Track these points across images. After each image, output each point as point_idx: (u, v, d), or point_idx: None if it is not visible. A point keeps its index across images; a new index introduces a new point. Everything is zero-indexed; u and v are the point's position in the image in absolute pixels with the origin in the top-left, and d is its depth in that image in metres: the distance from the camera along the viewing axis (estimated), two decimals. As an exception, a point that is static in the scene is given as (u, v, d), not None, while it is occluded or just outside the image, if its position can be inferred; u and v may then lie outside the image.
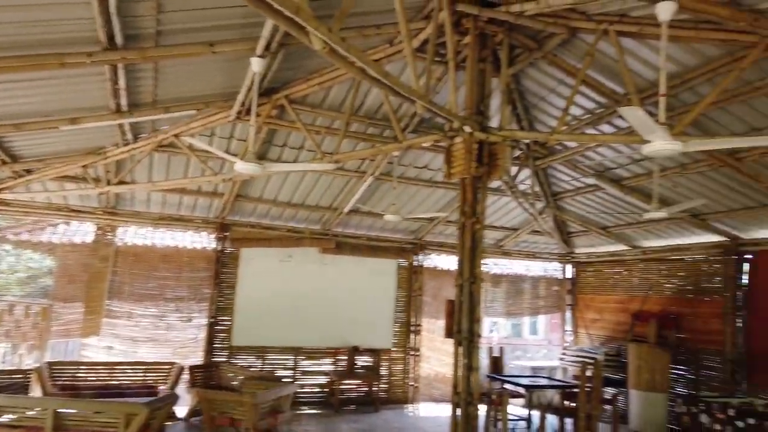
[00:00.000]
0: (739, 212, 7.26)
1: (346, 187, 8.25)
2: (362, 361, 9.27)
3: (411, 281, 9.90)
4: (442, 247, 10.11)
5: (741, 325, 7.83)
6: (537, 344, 11.88)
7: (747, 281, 7.87)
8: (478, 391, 4.87)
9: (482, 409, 7.80)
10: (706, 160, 6.29)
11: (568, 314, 11.18)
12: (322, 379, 9.06)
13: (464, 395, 4.79)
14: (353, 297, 9.36)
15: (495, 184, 8.52)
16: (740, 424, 4.99)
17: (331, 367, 9.08)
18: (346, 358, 9.11)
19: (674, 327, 8.72)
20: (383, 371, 9.46)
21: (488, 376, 8.50)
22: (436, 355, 10.07)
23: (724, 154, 6.07)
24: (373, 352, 9.33)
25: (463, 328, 4.91)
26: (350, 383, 9.15)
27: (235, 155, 6.11)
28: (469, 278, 4.98)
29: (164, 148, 6.92)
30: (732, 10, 3.94)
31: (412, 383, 9.70)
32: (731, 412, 5.09)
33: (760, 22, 3.95)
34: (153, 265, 8.42)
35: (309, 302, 9.04)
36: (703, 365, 8.33)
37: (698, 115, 4.98)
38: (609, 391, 9.27)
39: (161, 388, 7.20)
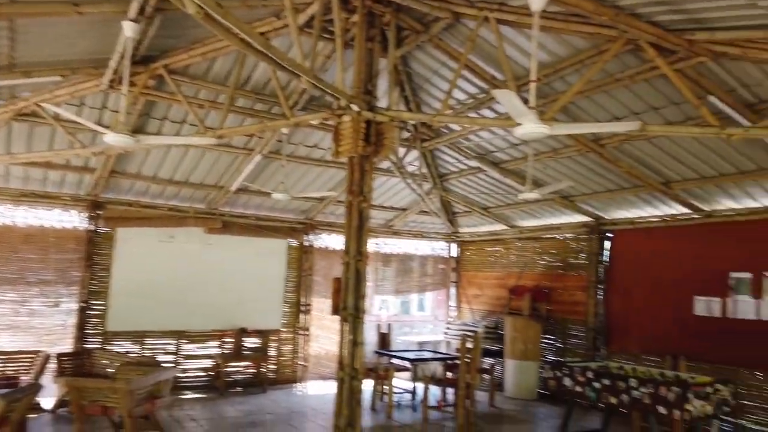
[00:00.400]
0: (602, 194, 7.98)
1: (233, 165, 7.97)
2: (250, 342, 9.11)
3: (301, 261, 9.85)
4: (332, 227, 10.13)
5: (601, 297, 8.65)
6: (424, 320, 12.33)
7: (607, 258, 8.69)
8: (362, 366, 4.97)
9: (369, 384, 8.02)
10: (574, 145, 6.81)
11: (453, 291, 11.73)
12: (208, 363, 8.79)
13: (348, 370, 4.87)
14: (241, 278, 9.13)
15: (384, 165, 8.66)
16: (597, 384, 5.53)
17: (217, 350, 8.83)
18: (232, 340, 8.90)
19: (545, 300, 9.45)
20: (272, 352, 9.37)
21: (376, 352, 8.72)
22: (326, 334, 10.12)
23: (590, 140, 6.62)
24: (261, 333, 9.19)
25: (348, 305, 4.98)
26: (237, 365, 8.97)
27: (107, 127, 5.67)
28: (356, 256, 5.04)
29: (25, 117, 6.27)
30: (596, 5, 4.27)
31: (302, 363, 9.70)
32: (590, 375, 5.61)
33: (620, 18, 4.31)
34: (13, 246, 7.64)
35: (193, 284, 8.70)
36: (569, 334, 9.12)
37: (567, 102, 5.38)
38: (488, 362, 9.88)
39: (23, 378, 6.61)
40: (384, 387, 7.96)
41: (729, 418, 5.01)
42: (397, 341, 10.94)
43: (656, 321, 7.81)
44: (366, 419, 7.28)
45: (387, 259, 11.33)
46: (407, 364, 8.51)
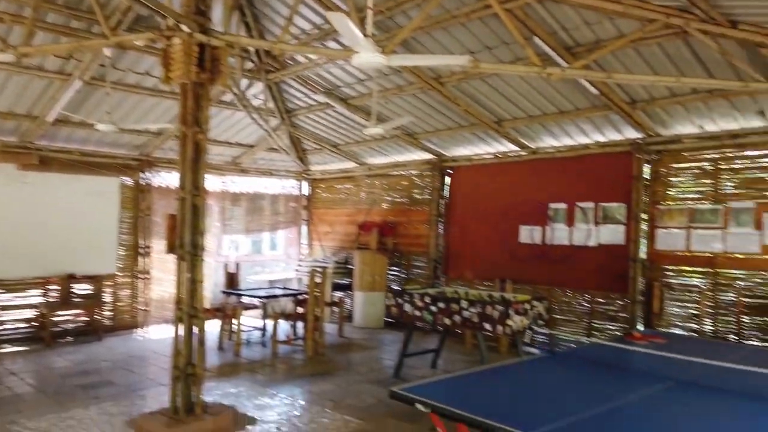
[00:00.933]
0: (443, 132, 8.35)
1: (47, 92, 6.99)
2: (81, 289, 8.37)
3: (138, 201, 9.13)
4: (173, 164, 9.47)
5: (442, 230, 9.22)
6: (276, 259, 12.28)
7: (447, 193, 9.22)
8: (202, 304, 4.81)
9: (216, 324, 7.86)
10: (417, 83, 6.98)
11: (304, 229, 11.75)
12: (30, 313, 7.95)
13: (187, 309, 4.69)
14: (66, 220, 8.24)
15: (227, 97, 8.20)
16: (433, 308, 5.94)
17: (41, 299, 8.00)
18: (59, 287, 8.11)
19: (392, 234, 9.85)
20: (107, 298, 8.72)
21: (223, 292, 8.52)
22: (169, 277, 9.64)
23: (431, 78, 6.82)
24: (93, 278, 8.48)
25: (186, 243, 4.73)
26: (66, 314, 8.23)
27: None
28: (192, 191, 4.77)
29: None
30: (433, -63, 4.28)
31: (143, 307, 9.19)
32: (427, 300, 6.00)
33: (455, -47, 4.38)
34: None
35: (7, 227, 7.69)
36: (413, 265, 9.66)
37: (407, 36, 5.44)
38: (338, 295, 10.16)
39: None
40: (233, 326, 7.84)
41: (544, 330, 5.68)
42: (249, 281, 10.79)
43: (488, 249, 8.53)
44: (213, 358, 7.17)
45: (236, 198, 10.96)
46: (257, 302, 8.47)
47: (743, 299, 6.14)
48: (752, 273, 6.14)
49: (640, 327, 6.75)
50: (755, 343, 5.99)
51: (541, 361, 3.96)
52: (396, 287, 9.76)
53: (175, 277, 4.80)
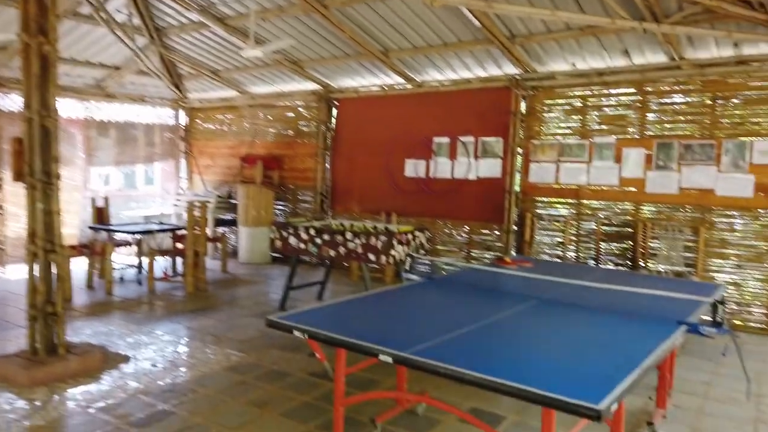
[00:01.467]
0: (329, 61, 8.07)
1: None
2: None
3: (-18, 127, 8.01)
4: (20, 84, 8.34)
5: (329, 164, 9.09)
6: (152, 194, 11.52)
7: (334, 125, 9.04)
8: (60, 238, 4.36)
9: (84, 263, 7.28)
10: (299, 4, 6.60)
11: (183, 162, 11.07)
12: None
13: (42, 243, 4.23)
14: None
15: (85, 10, 7.27)
16: (318, 240, 5.89)
17: None
18: None
19: (277, 168, 9.56)
20: (-50, 237, 7.73)
21: (91, 228, 7.86)
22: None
23: (314, 0, 6.47)
24: (-69, 215, 7.43)
25: (36, 170, 4.22)
26: None
27: None
28: (41, 111, 4.21)
29: None
30: None
31: (-3, 247, 8.28)
32: (312, 232, 5.93)
33: None
34: None
35: None
36: (300, 200, 9.50)
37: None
38: (221, 230, 9.81)
39: None
40: (102, 264, 7.30)
41: (425, 259, 5.84)
42: (122, 216, 10.07)
43: (374, 183, 8.57)
44: (82, 298, 6.67)
45: (103, 127, 10.01)
46: (130, 238, 7.93)
47: (602, 227, 6.74)
48: (611, 204, 6.73)
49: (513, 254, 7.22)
50: (610, 267, 6.65)
51: (420, 286, 4.08)
52: (281, 221, 9.60)
53: (27, 209, 4.28)
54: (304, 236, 6.04)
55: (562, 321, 3.30)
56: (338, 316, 3.35)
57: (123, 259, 8.32)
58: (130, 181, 11.71)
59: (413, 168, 8.20)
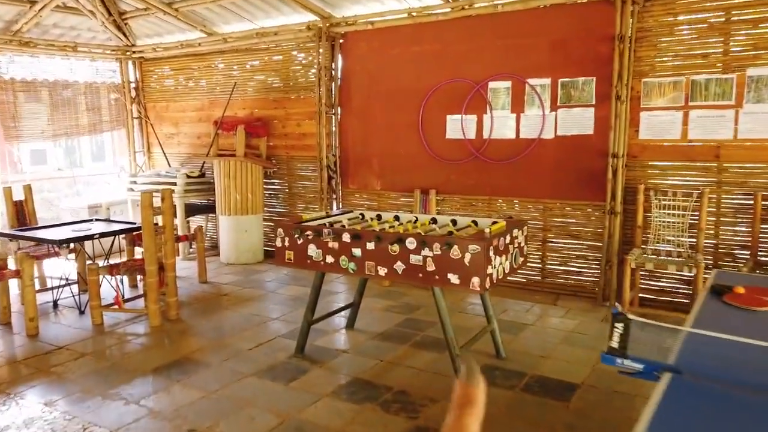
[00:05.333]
0: (336, -25, 5.60)
1: None
2: None
3: None
4: None
5: (336, 126, 6.70)
6: (103, 173, 9.03)
7: (341, 72, 6.61)
8: None
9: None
10: None
11: (137, 131, 8.53)
12: None
13: None
14: None
15: None
16: (358, 251, 3.63)
17: None
18: None
19: (265, 134, 7.13)
20: None
21: (3, 235, 5.40)
22: None
23: None
24: None
25: None
26: None
27: None
28: None
29: None
30: None
31: None
32: (346, 238, 3.64)
33: None
34: None
35: None
36: (298, 175, 7.14)
37: None
38: (196, 222, 7.45)
39: None
40: (22, 289, 4.87)
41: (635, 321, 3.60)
42: (62, 207, 7.61)
43: (401, 149, 6.26)
44: (-19, 355, 4.29)
45: (30, 88, 7.42)
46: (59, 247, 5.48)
47: (763, 203, 4.57)
48: (773, 166, 4.56)
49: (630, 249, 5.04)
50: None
51: (670, 400, 1.87)
52: (279, 209, 7.25)
53: None
54: (331, 244, 3.74)
55: None
56: None
57: (58, 269, 5.91)
58: (72, 158, 9.17)
59: (458, 127, 5.89)
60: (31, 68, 7.53)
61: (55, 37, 7.30)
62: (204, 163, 7.56)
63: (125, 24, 7.43)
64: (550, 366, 3.84)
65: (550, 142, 5.44)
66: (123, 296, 5.16)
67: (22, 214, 5.83)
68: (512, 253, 3.65)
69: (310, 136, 6.84)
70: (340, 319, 4.77)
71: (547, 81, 5.39)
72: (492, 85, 5.66)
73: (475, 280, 3.25)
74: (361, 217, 4.44)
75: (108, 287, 5.47)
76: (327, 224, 3.95)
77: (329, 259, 3.75)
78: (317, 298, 4.09)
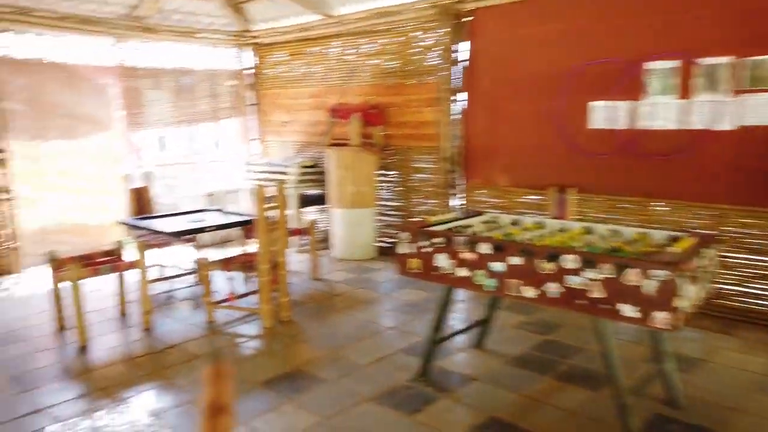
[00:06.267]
0: (470, -57, 4.94)
1: None
2: None
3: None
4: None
5: (459, 114, 6.08)
6: (219, 161, 9.07)
7: (467, 55, 5.96)
8: None
9: (110, 278, 4.80)
10: None
11: (253, 118, 8.42)
12: None
13: None
14: None
15: None
16: (498, 266, 3.03)
17: None
18: None
19: (381, 122, 6.67)
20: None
21: (123, 223, 5.35)
22: (51, 196, 6.45)
23: None
24: None
25: None
26: None
27: None
28: None
29: None
30: None
31: (10, 243, 6.05)
32: (485, 249, 3.06)
33: None
34: None
35: None
36: (414, 168, 6.61)
37: None
38: (308, 213, 7.19)
39: None
40: (144, 276, 4.76)
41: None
42: (180, 196, 7.67)
43: (534, 140, 5.52)
44: (106, 341, 4.19)
45: (154, 76, 7.50)
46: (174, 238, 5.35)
47: None
48: None
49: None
50: None
51: None
52: (393, 204, 6.78)
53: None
54: (467, 256, 3.15)
55: None
56: None
57: (177, 258, 5.83)
58: (191, 146, 9.29)
59: (605, 115, 5.04)
60: (151, 55, 7.59)
61: (175, 22, 7.28)
62: (319, 152, 7.24)
63: (242, 8, 7.26)
64: (746, 425, 3.00)
65: (726, 135, 4.46)
66: (235, 293, 4.91)
67: (141, 201, 5.80)
68: (703, 280, 2.86)
69: (430, 125, 6.27)
70: (466, 335, 4.19)
71: (724, 60, 4.41)
72: (649, 65, 4.75)
73: (659, 316, 2.52)
74: (493, 220, 3.81)
75: (222, 279, 5.29)
76: (456, 229, 3.37)
77: (462, 272, 3.17)
78: (444, 315, 3.53)
